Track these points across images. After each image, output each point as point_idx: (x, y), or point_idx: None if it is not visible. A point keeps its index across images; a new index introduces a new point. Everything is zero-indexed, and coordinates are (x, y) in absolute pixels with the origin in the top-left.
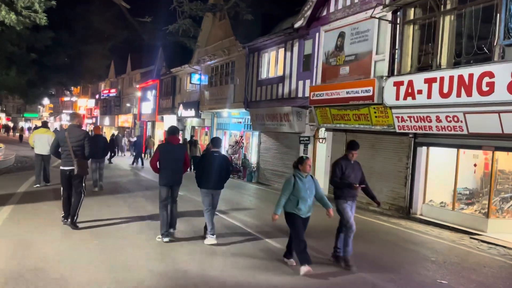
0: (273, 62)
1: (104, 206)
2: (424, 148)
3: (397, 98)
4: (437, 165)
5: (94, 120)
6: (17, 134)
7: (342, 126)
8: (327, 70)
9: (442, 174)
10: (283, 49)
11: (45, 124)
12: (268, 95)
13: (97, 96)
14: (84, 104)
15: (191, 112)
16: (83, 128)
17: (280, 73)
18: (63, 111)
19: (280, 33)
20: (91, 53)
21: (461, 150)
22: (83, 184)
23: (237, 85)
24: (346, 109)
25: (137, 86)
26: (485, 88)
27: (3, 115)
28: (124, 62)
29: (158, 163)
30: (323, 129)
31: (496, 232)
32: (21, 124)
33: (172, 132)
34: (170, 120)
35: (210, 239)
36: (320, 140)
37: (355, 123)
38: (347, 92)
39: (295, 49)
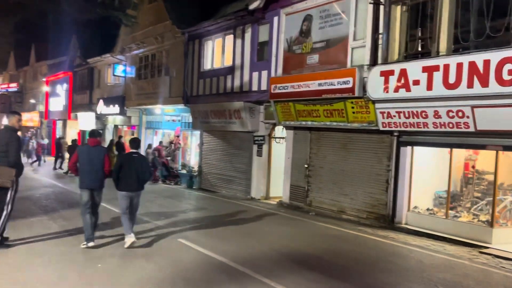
0: (219, 51)
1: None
2: (409, 148)
3: (386, 90)
4: (423, 167)
5: None
6: None
7: (309, 123)
8: (290, 59)
9: (431, 177)
10: (232, 35)
11: None
12: (214, 89)
13: None
14: None
15: (114, 109)
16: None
17: (228, 63)
18: None
19: (229, 17)
20: None
21: (455, 150)
22: (7, 198)
23: (174, 78)
24: (316, 104)
25: (44, 79)
26: (506, 77)
27: None
28: (27, 52)
29: (77, 165)
30: (281, 127)
31: (503, 243)
32: None
33: (92, 134)
34: (86, 118)
35: (129, 238)
36: (277, 140)
37: (326, 120)
38: (320, 84)
39: (247, 35)
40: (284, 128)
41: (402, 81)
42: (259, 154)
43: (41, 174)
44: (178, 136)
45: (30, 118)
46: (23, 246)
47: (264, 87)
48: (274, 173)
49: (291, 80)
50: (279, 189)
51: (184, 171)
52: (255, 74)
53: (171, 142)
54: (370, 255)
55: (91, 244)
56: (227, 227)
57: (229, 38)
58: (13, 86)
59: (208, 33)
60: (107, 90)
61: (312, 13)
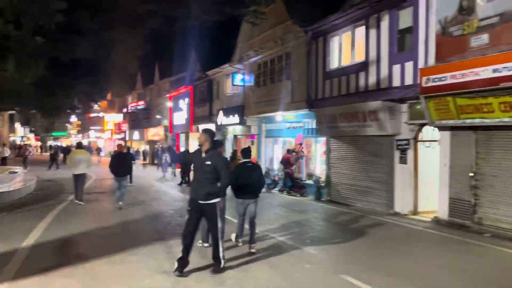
0: (348, 47)
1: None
2: None
3: None
4: None
5: (123, 135)
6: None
7: (477, 121)
8: (446, 43)
9: None
10: (364, 27)
11: (80, 145)
12: (343, 90)
13: (124, 110)
14: (112, 119)
15: (234, 119)
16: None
17: (359, 59)
18: (90, 127)
19: (362, 5)
20: (120, 42)
21: None
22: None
23: (296, 82)
24: (487, 97)
25: (167, 95)
26: None
27: (31, 136)
28: (151, 72)
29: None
30: (431, 128)
31: None
32: (51, 143)
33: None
34: None
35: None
36: (427, 144)
37: (503, 116)
38: (495, 70)
39: (383, 24)
40: (437, 129)
41: None
42: (403, 161)
43: (170, 187)
44: (300, 144)
45: (156, 133)
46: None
47: (408, 81)
48: (423, 183)
49: (450, 69)
50: (431, 203)
51: (310, 182)
52: (396, 68)
53: (293, 151)
54: None
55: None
56: (388, 254)
57: (360, 30)
58: (141, 104)
59: (334, 28)
60: (226, 100)
61: None
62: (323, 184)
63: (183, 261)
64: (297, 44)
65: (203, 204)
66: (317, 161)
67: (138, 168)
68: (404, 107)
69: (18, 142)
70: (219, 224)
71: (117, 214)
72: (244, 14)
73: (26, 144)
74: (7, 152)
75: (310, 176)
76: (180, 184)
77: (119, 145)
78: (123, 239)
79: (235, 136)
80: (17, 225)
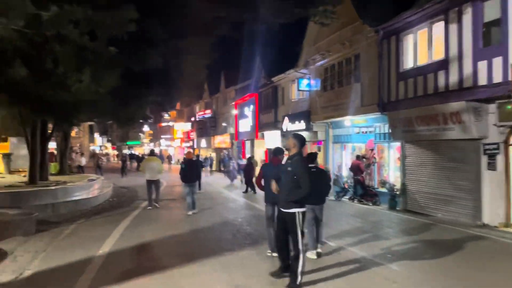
0: (424, 45)
1: None
2: None
3: None
4: None
5: (191, 143)
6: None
7: None
8: None
9: None
10: (443, 21)
11: (152, 153)
12: (419, 91)
13: (192, 119)
14: (181, 128)
15: (300, 125)
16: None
17: (438, 57)
18: (161, 136)
19: None
20: (189, 51)
21: None
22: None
23: (365, 84)
24: None
25: (233, 103)
26: None
27: (109, 145)
28: (217, 81)
29: (262, 181)
30: None
31: None
32: (126, 151)
33: (275, 153)
34: (272, 137)
35: (311, 254)
36: None
37: None
38: None
39: (466, 17)
40: None
41: None
42: (492, 167)
43: (238, 194)
44: (372, 150)
45: (222, 140)
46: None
47: (497, 78)
48: None
49: None
50: None
51: (383, 190)
52: (482, 64)
53: (363, 157)
54: None
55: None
56: (480, 273)
57: (438, 25)
58: (208, 113)
59: (407, 26)
60: (292, 106)
61: None
62: (398, 192)
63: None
64: (366, 45)
65: (284, 213)
66: (390, 167)
67: (206, 175)
68: (492, 107)
69: (96, 151)
70: (300, 236)
71: (187, 221)
72: (314, 14)
73: (100, 153)
74: (84, 161)
75: (383, 183)
76: (246, 191)
77: (188, 153)
78: (194, 249)
79: (288, 138)
80: (94, 231)
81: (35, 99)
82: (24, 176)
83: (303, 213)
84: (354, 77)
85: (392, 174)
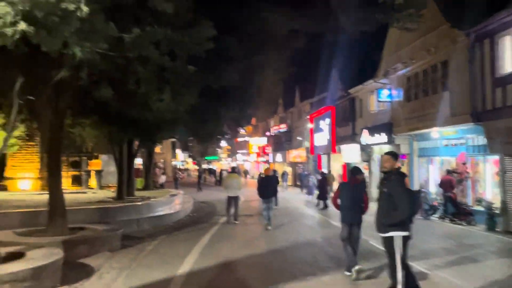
0: None
1: None
2: None
3: None
4: None
5: (267, 158)
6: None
7: None
8: None
9: None
10: None
11: (234, 170)
12: None
13: (267, 133)
14: (256, 142)
15: (380, 138)
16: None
17: None
18: (238, 151)
19: None
20: (265, 65)
21: None
22: None
23: (455, 92)
24: None
25: (308, 117)
26: None
27: (190, 160)
28: (292, 94)
29: (339, 201)
30: None
31: None
32: (204, 166)
33: (353, 172)
34: (350, 150)
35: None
36: None
37: None
38: None
39: None
40: None
41: None
42: None
43: (315, 211)
44: (464, 164)
45: (298, 155)
46: None
47: None
48: None
49: None
50: None
51: (478, 208)
52: None
53: (454, 172)
54: None
55: (357, 267)
56: None
57: None
58: (283, 127)
59: (504, 27)
60: (371, 118)
61: None
62: (497, 211)
63: None
64: (454, 50)
65: (381, 237)
66: (486, 183)
67: (282, 190)
68: None
69: (177, 166)
70: (398, 263)
71: (265, 238)
72: (397, 20)
73: (174, 166)
74: (163, 179)
75: (478, 201)
76: (323, 208)
77: (266, 169)
78: (274, 272)
79: (382, 157)
80: (175, 248)
81: (121, 119)
82: (113, 191)
83: (404, 238)
84: (441, 85)
85: (489, 190)
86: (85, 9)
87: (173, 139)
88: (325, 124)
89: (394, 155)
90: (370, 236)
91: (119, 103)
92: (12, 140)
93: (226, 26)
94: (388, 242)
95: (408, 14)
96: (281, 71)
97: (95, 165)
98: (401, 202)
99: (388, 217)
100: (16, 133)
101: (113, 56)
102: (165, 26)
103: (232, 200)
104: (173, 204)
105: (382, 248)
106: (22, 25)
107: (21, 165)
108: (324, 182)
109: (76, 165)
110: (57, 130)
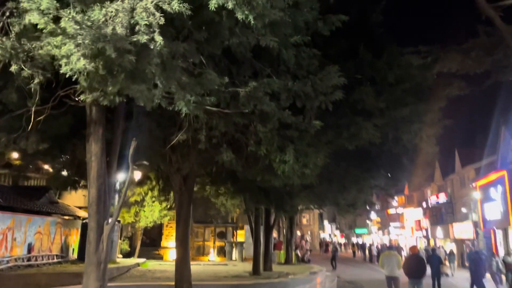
0: None
1: None
2: None
3: None
4: None
5: (424, 232)
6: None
7: None
8: None
9: None
10: None
11: (390, 247)
12: None
13: (423, 205)
14: (411, 214)
15: None
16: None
17: None
18: (390, 223)
19: None
20: (412, 122)
21: None
22: None
23: None
24: None
25: (473, 185)
26: None
27: (337, 232)
28: (451, 159)
29: None
30: None
31: None
32: (353, 240)
33: None
34: None
35: None
36: None
37: None
38: None
39: None
40: None
41: None
42: None
43: None
44: None
45: (463, 229)
46: None
47: None
48: None
49: None
50: None
51: None
52: None
53: None
54: None
55: None
56: None
57: None
58: (442, 197)
59: None
60: None
61: None
62: None
63: None
64: None
65: None
66: None
67: (447, 274)
68: None
69: (326, 239)
70: None
71: None
72: None
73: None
74: (308, 255)
75: None
76: None
77: (413, 247)
78: None
79: None
80: None
81: (250, 185)
82: None
83: None
84: None
85: None
86: (159, 39)
87: (321, 210)
88: (496, 192)
89: None
90: None
91: (241, 167)
92: (163, 212)
93: (357, 70)
94: None
95: None
96: (434, 127)
97: (240, 236)
98: None
99: None
100: (165, 204)
101: (231, 115)
102: (285, 76)
103: (392, 281)
104: (313, 283)
105: None
106: (82, 62)
107: (173, 234)
108: (480, 264)
109: (222, 236)
110: (184, 196)
